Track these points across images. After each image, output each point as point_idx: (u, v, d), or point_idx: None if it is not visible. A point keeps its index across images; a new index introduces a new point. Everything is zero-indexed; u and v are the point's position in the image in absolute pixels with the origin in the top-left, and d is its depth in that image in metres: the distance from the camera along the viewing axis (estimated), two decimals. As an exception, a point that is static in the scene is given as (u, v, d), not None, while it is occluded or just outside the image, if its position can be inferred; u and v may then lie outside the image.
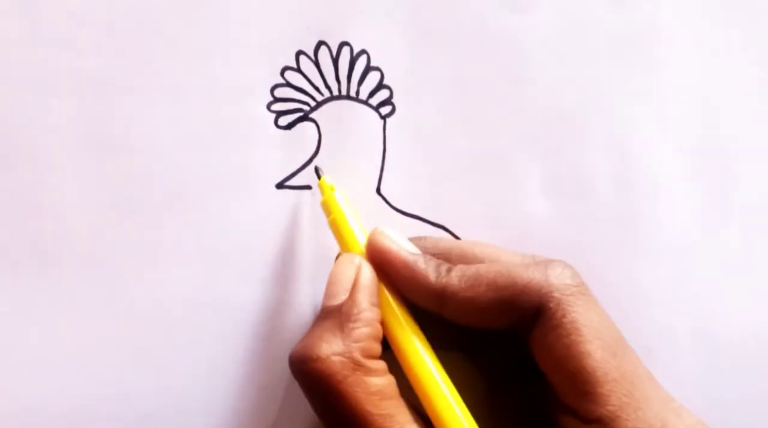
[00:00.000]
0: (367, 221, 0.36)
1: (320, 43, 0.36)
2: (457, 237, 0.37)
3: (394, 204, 0.37)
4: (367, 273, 0.31)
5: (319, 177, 0.35)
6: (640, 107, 0.38)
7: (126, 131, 0.35)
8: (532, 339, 0.30)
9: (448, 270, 0.31)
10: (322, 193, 0.34)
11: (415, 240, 0.34)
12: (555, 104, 0.37)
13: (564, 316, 0.29)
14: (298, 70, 0.36)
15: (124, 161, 0.35)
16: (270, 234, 0.36)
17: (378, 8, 0.36)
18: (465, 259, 0.32)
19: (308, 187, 0.36)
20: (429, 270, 0.31)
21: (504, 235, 0.37)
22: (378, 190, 0.36)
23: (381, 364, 0.30)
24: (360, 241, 0.33)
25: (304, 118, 0.36)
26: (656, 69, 0.38)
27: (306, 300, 0.36)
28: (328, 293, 0.31)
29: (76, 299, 0.34)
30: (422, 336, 0.31)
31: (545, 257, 0.33)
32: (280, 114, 0.36)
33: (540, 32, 0.37)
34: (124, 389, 0.34)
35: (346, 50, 0.36)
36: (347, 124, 0.36)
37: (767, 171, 0.38)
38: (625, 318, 0.37)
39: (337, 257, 0.33)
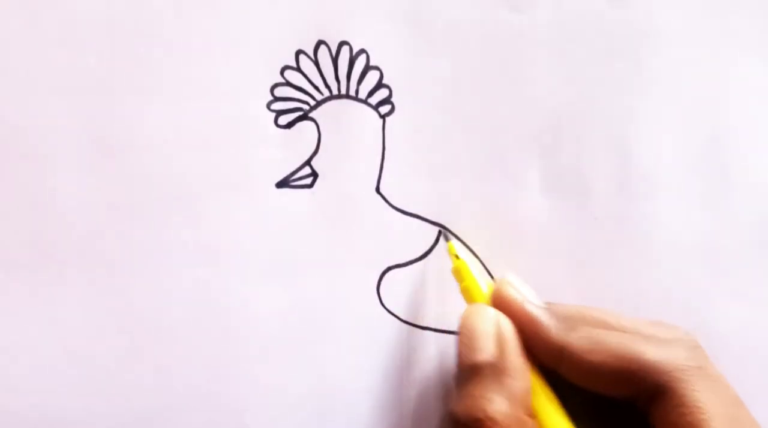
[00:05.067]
0: (366, 221, 0.36)
1: (320, 43, 0.36)
2: (456, 236, 0.37)
3: (393, 203, 0.37)
4: (510, 327, 0.31)
5: (447, 239, 0.36)
6: (640, 107, 0.38)
7: (126, 131, 0.35)
8: (654, 416, 0.30)
9: (571, 329, 0.31)
10: (452, 259, 0.35)
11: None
12: (554, 104, 0.37)
13: (685, 396, 0.29)
14: (298, 69, 0.36)
15: (124, 161, 0.35)
16: (270, 233, 0.36)
17: (377, 8, 0.36)
18: (587, 323, 0.32)
19: (308, 187, 0.36)
20: (551, 326, 0.31)
21: (503, 235, 0.37)
22: (377, 189, 0.36)
23: (535, 423, 0.30)
24: (485, 292, 0.33)
25: (304, 117, 0.36)
26: (656, 69, 0.38)
27: (305, 299, 0.36)
28: (470, 346, 0.31)
29: (76, 299, 0.34)
30: (553, 395, 0.31)
31: (668, 325, 0.33)
32: (279, 113, 0.36)
33: (540, 32, 0.37)
34: (123, 389, 0.34)
35: (345, 49, 0.36)
36: (347, 123, 0.36)
37: (766, 170, 0.38)
38: (624, 317, 0.37)
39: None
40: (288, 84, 0.36)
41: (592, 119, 0.37)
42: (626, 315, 0.33)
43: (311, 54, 0.36)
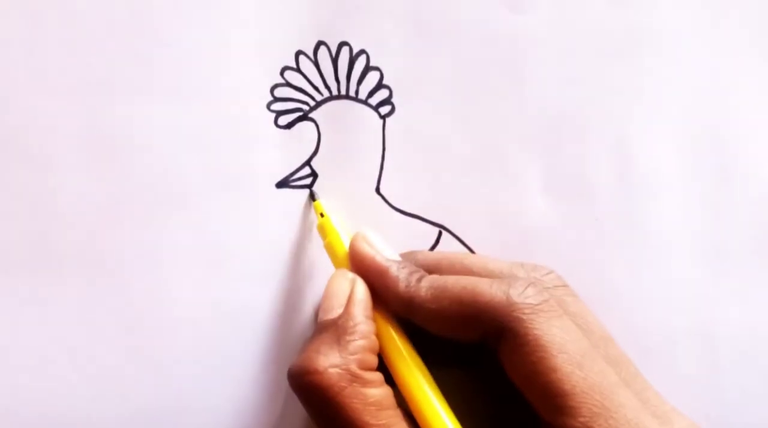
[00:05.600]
0: (366, 221, 0.36)
1: (319, 43, 0.36)
2: (457, 237, 0.37)
3: (393, 203, 0.37)
4: (361, 288, 0.32)
5: (314, 199, 0.36)
6: (640, 107, 0.38)
7: (126, 131, 0.35)
8: (501, 357, 0.30)
9: (418, 280, 0.32)
10: (317, 216, 0.35)
11: (408, 253, 0.35)
12: (555, 104, 0.37)
13: (526, 335, 0.29)
14: (298, 69, 0.36)
15: (124, 161, 0.35)
16: (270, 233, 0.36)
17: (377, 8, 0.36)
18: (453, 270, 0.33)
19: (308, 187, 0.36)
20: (400, 278, 0.32)
21: (503, 235, 0.37)
22: (377, 190, 0.36)
23: (377, 375, 0.31)
24: None
25: (304, 117, 0.36)
26: (656, 69, 0.38)
27: (306, 299, 0.36)
28: (324, 307, 0.32)
29: (76, 299, 0.34)
30: (412, 350, 0.32)
31: (535, 265, 0.33)
32: (279, 113, 0.36)
33: (540, 32, 0.37)
34: (123, 389, 0.34)
35: (345, 50, 0.36)
36: (347, 123, 0.36)
37: (766, 171, 0.38)
38: (625, 318, 0.37)
39: None
40: (288, 84, 0.36)
41: (592, 119, 0.37)
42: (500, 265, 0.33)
43: (311, 54, 0.36)
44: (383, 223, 0.36)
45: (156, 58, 0.35)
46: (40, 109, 0.34)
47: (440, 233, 0.37)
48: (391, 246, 0.34)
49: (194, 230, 0.35)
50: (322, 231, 0.35)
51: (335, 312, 0.32)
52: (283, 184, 0.36)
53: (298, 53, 0.36)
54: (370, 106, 0.36)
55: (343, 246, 0.34)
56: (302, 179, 0.36)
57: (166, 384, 0.35)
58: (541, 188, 0.37)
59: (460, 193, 0.37)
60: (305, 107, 0.36)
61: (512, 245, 0.37)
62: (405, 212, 0.37)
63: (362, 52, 0.36)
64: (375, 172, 0.36)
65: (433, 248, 0.37)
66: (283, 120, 0.36)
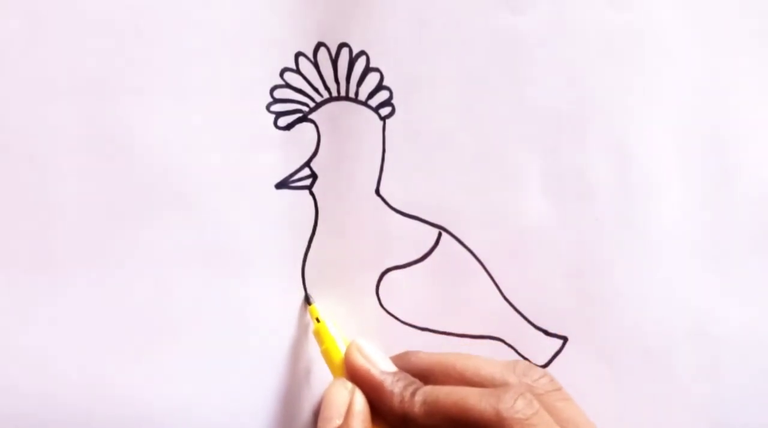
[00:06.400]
0: (366, 222, 0.36)
1: (319, 44, 0.36)
2: (457, 238, 0.37)
3: (393, 205, 0.37)
4: (360, 399, 0.33)
5: (309, 303, 0.36)
6: (640, 107, 0.38)
7: (126, 131, 0.35)
8: None
9: (412, 394, 0.32)
10: (313, 321, 0.36)
11: (402, 355, 0.35)
12: (555, 104, 0.37)
13: None
14: (298, 71, 0.36)
15: (124, 161, 0.35)
16: (269, 234, 0.36)
17: (377, 9, 0.36)
18: (447, 375, 0.33)
19: (307, 188, 0.36)
20: (394, 392, 0.32)
21: (503, 235, 0.37)
22: (377, 191, 0.36)
23: None
24: None
25: (304, 118, 0.36)
26: (656, 69, 0.38)
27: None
28: (323, 416, 0.33)
29: (76, 299, 0.34)
30: None
31: (526, 366, 0.33)
32: (279, 115, 0.36)
33: (540, 32, 0.37)
34: (123, 389, 0.34)
35: (345, 51, 0.36)
36: (346, 124, 0.36)
37: (766, 171, 0.38)
38: (625, 318, 0.37)
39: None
40: (288, 86, 0.36)
41: (592, 119, 0.37)
42: (498, 359, 0.34)
43: (311, 56, 0.36)
44: (383, 225, 0.36)
45: (156, 58, 0.35)
46: (40, 109, 0.34)
47: (440, 234, 0.37)
48: (386, 355, 0.34)
49: (194, 230, 0.35)
50: (318, 337, 0.35)
51: (334, 422, 0.32)
52: (282, 184, 0.36)
53: (298, 54, 0.36)
54: (370, 107, 0.36)
55: (340, 353, 0.34)
56: (302, 180, 0.36)
57: (167, 384, 0.35)
58: (541, 188, 0.37)
59: (460, 193, 0.37)
60: (305, 108, 0.36)
61: (512, 245, 0.37)
62: (405, 213, 0.37)
63: (362, 53, 0.36)
64: (375, 173, 0.36)
65: (433, 249, 0.37)
66: (283, 121, 0.36)
